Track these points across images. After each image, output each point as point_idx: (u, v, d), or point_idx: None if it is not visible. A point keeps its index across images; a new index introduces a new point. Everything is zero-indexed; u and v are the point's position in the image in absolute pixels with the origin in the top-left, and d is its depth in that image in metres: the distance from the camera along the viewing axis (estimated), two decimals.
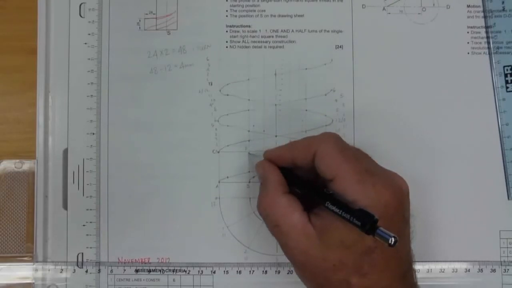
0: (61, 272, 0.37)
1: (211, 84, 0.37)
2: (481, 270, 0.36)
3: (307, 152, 0.31)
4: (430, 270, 0.36)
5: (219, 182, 0.37)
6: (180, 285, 0.37)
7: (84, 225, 0.37)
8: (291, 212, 0.30)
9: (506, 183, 0.37)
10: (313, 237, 0.29)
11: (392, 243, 0.25)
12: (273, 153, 0.33)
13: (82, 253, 0.37)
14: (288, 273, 0.36)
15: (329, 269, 0.29)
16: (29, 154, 0.37)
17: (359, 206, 0.28)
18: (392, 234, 0.25)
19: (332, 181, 0.29)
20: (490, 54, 0.37)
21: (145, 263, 0.37)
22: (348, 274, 0.28)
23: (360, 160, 0.30)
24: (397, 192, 0.29)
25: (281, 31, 0.37)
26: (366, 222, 0.26)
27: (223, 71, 0.37)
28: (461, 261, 0.36)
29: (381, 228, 0.26)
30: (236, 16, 0.38)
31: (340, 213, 0.28)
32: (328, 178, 0.30)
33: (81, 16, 0.37)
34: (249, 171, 0.37)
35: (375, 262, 0.28)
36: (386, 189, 0.29)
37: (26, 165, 0.37)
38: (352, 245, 0.28)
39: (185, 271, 0.37)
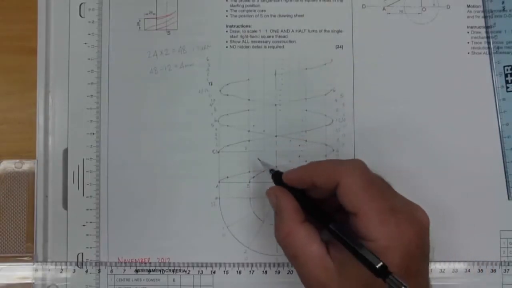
0: (61, 272, 0.37)
1: (211, 84, 0.37)
2: (481, 270, 0.36)
3: (330, 180, 0.29)
4: (430, 270, 0.36)
5: (219, 182, 0.37)
6: (180, 285, 0.37)
7: (84, 225, 0.37)
8: (310, 244, 0.29)
9: (506, 183, 0.37)
10: (331, 270, 0.28)
11: None
12: (293, 175, 0.32)
13: (82, 253, 0.37)
14: (288, 273, 0.36)
15: None
16: (29, 154, 0.37)
17: (380, 245, 0.27)
18: (404, 284, 0.25)
19: (354, 216, 0.29)
20: (490, 54, 0.37)
21: (145, 263, 0.37)
22: None
23: (384, 197, 0.29)
24: (420, 229, 0.29)
25: (281, 31, 0.37)
26: (376, 266, 0.26)
27: (223, 71, 0.37)
28: (461, 261, 0.36)
29: (392, 275, 0.26)
30: (236, 16, 0.38)
31: (352, 249, 0.27)
32: (350, 212, 0.29)
33: (81, 16, 0.38)
34: (249, 171, 0.37)
35: None
36: (409, 228, 0.28)
37: (26, 165, 0.37)
38: (370, 284, 0.27)
39: (185, 271, 0.37)
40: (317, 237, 0.29)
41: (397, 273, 0.26)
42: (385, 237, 0.28)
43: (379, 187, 0.30)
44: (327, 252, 0.29)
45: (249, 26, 0.38)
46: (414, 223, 0.29)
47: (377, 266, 0.26)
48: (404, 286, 0.25)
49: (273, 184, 0.34)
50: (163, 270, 0.37)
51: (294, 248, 0.30)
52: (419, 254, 0.29)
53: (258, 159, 0.37)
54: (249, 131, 0.37)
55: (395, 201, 0.30)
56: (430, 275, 0.36)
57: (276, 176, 0.33)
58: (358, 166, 0.30)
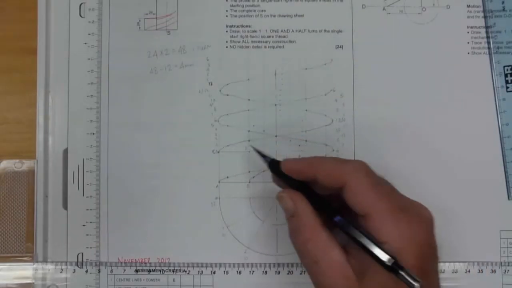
0: (61, 272, 0.37)
1: (211, 84, 0.37)
2: (481, 271, 0.36)
3: (335, 179, 0.28)
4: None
5: (219, 182, 0.37)
6: (180, 285, 0.37)
7: (84, 225, 0.37)
8: (331, 249, 0.28)
9: (506, 183, 0.37)
10: (352, 280, 0.27)
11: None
12: (294, 166, 0.30)
13: (82, 253, 0.37)
14: (288, 274, 0.36)
15: None
16: (29, 154, 0.37)
17: (393, 246, 0.27)
18: (419, 279, 0.25)
19: (364, 217, 0.28)
20: (490, 54, 0.37)
21: (145, 263, 0.37)
22: None
23: (392, 197, 0.28)
24: (429, 227, 0.28)
25: (281, 31, 0.37)
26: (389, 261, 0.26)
27: (223, 71, 0.37)
28: (461, 261, 0.36)
29: (406, 271, 0.25)
30: (236, 16, 0.38)
31: (368, 249, 0.27)
32: (359, 214, 0.28)
33: (81, 16, 0.38)
34: (249, 171, 0.37)
35: None
36: (420, 227, 0.28)
37: (26, 165, 0.37)
38: None
39: (185, 271, 0.37)
40: (337, 243, 0.28)
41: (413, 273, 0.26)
42: (397, 238, 0.27)
43: (386, 187, 0.29)
44: (346, 259, 0.28)
45: (249, 26, 0.38)
46: (423, 222, 0.28)
47: (390, 264, 0.26)
48: (418, 281, 0.25)
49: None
50: (163, 270, 0.37)
51: (315, 253, 0.28)
52: (431, 253, 0.28)
53: (251, 146, 0.36)
54: (249, 131, 0.37)
55: (402, 201, 0.29)
56: None
57: (273, 165, 0.31)
58: (363, 167, 0.29)
